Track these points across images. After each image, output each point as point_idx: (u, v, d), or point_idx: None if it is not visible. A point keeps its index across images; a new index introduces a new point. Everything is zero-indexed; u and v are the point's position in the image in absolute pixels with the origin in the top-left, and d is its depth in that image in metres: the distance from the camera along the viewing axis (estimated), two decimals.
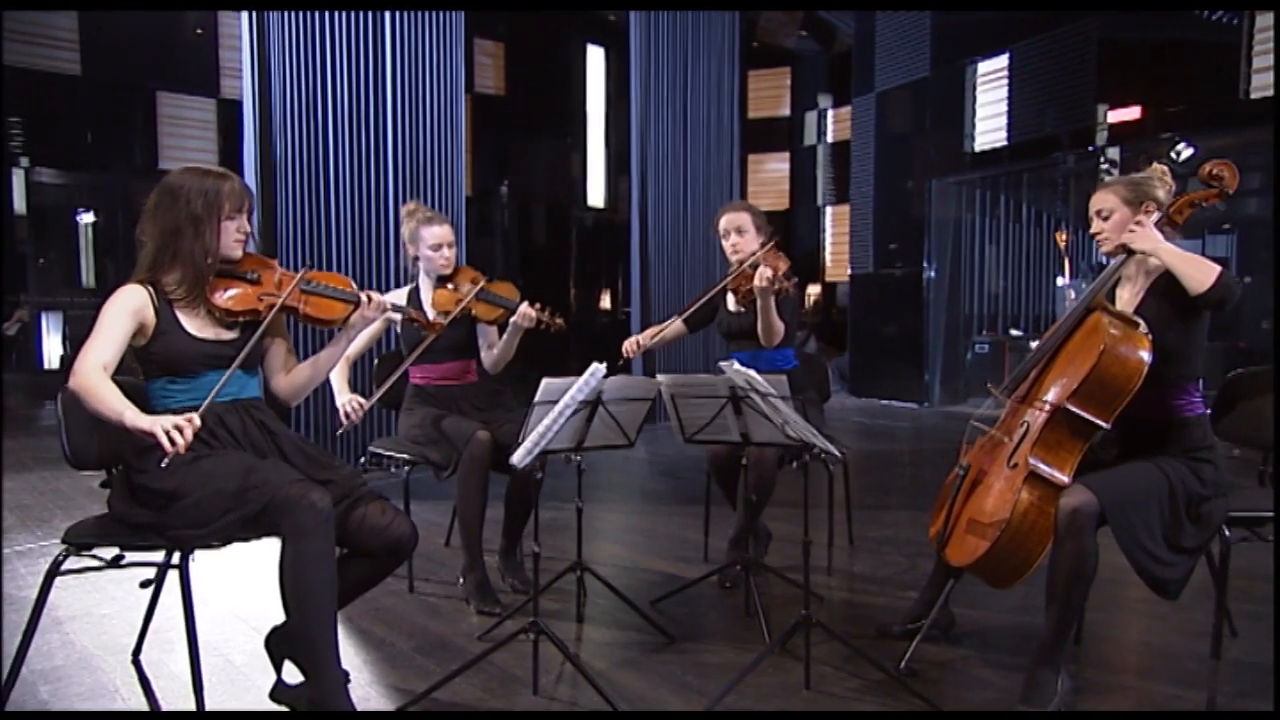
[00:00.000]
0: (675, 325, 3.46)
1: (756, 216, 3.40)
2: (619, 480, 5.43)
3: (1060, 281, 9.44)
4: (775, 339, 3.23)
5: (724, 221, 3.40)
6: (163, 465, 1.95)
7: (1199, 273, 2.09)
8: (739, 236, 3.36)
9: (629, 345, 3.40)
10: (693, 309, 3.46)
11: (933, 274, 8.85)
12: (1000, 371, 8.57)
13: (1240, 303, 2.17)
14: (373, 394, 3.17)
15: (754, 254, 3.28)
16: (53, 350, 9.94)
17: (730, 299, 3.43)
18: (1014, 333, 9.20)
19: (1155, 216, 2.26)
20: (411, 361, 3.11)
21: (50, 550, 3.68)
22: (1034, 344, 8.20)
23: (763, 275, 3.06)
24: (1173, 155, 6.94)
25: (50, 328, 9.98)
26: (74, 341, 9.65)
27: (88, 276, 10.18)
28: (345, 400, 3.06)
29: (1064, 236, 9.07)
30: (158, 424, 1.91)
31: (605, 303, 11.99)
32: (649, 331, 3.47)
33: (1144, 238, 2.20)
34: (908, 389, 9.00)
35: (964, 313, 9.09)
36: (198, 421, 1.95)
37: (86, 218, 10.08)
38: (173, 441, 1.90)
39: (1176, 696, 2.34)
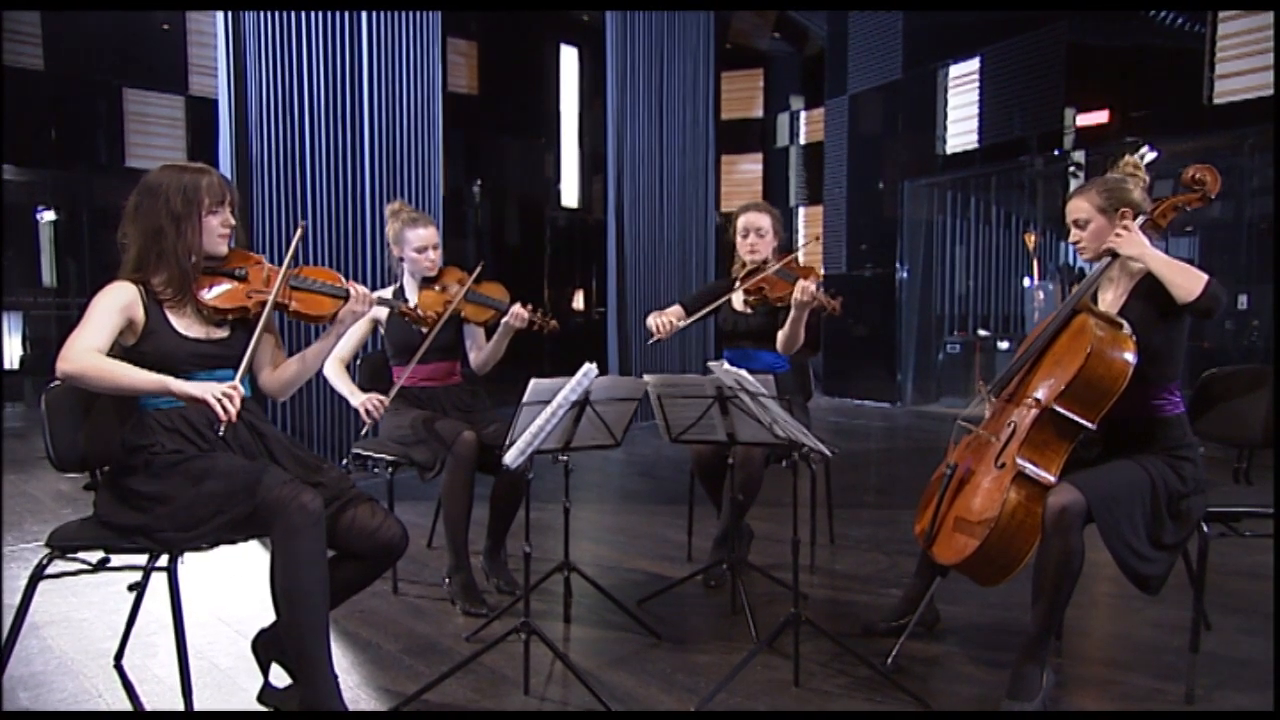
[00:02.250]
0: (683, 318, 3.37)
1: (776, 220, 3.42)
2: (597, 480, 5.43)
3: (1027, 283, 9.56)
4: (794, 349, 3.25)
5: (744, 221, 3.40)
6: (220, 434, 2.02)
7: (1187, 281, 2.12)
8: (758, 238, 3.37)
9: (662, 324, 3.23)
10: (707, 310, 3.35)
11: (905, 275, 8.95)
12: (972, 371, 8.68)
13: None
14: (389, 390, 3.13)
15: (771, 259, 3.34)
16: (12, 351, 9.73)
17: (738, 298, 3.43)
18: (981, 333, 9.30)
19: (1140, 219, 2.30)
20: (420, 356, 3.07)
21: (22, 554, 3.62)
22: (1002, 344, 8.19)
23: (805, 289, 3.05)
24: (1136, 159, 7.06)
25: (10, 328, 9.77)
26: (34, 342, 9.46)
27: (49, 276, 9.98)
28: (363, 400, 3.04)
29: (1032, 238, 9.19)
30: (209, 391, 1.96)
31: (579, 303, 11.96)
32: (670, 311, 3.32)
33: (1131, 243, 2.23)
34: (880, 389, 9.09)
35: (935, 313, 9.19)
36: (242, 389, 2.00)
37: (47, 216, 9.89)
38: (225, 409, 1.95)
39: (1157, 690, 2.38)
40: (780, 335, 3.24)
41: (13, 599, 3.03)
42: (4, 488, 4.90)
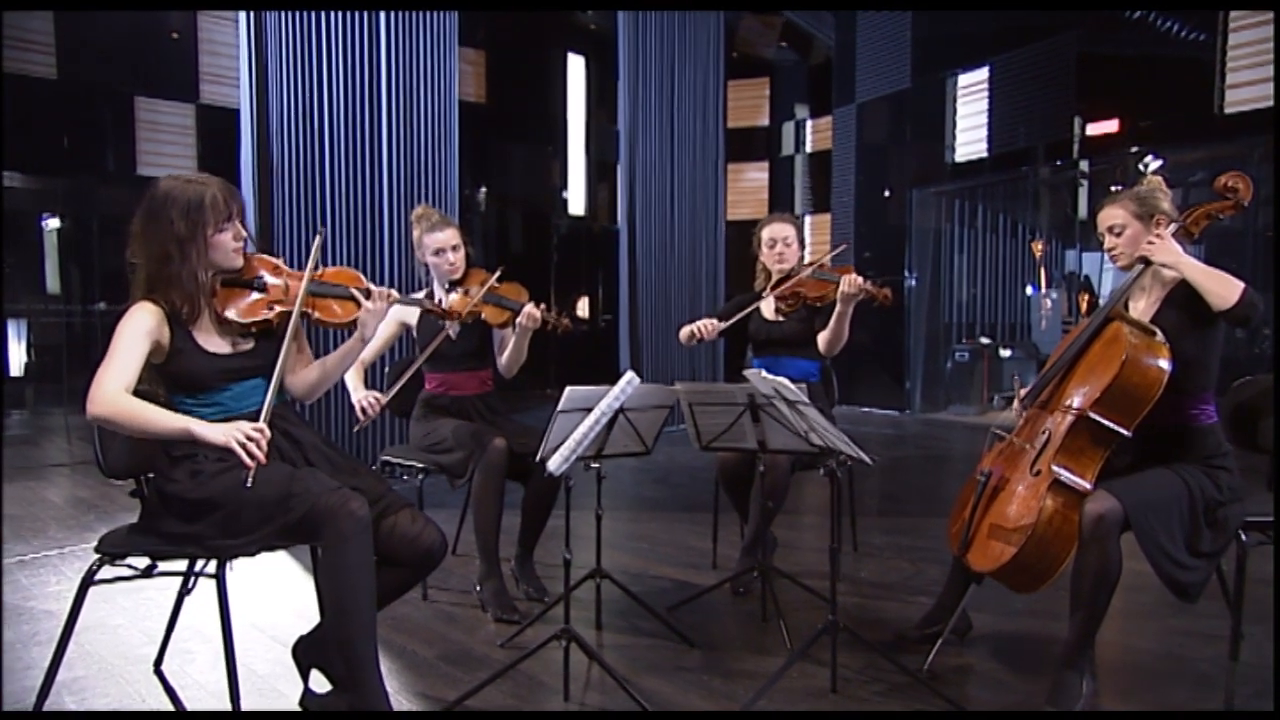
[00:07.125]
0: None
1: (799, 229, 3.48)
2: (612, 488, 5.41)
3: (1029, 290, 9.60)
4: (838, 348, 3.28)
5: (769, 232, 3.44)
6: (247, 486, 1.92)
7: (1223, 289, 2.14)
8: (785, 247, 3.41)
9: (709, 330, 3.29)
10: (742, 314, 3.39)
11: (913, 283, 8.97)
12: (981, 379, 8.69)
13: None
14: (387, 390, 3.15)
15: (797, 266, 3.37)
16: (19, 359, 9.74)
17: (768, 307, 3.45)
18: (983, 340, 9.30)
19: (1173, 228, 2.31)
20: (429, 354, 3.08)
21: (48, 560, 3.63)
22: (1004, 352, 8.16)
23: (853, 282, 3.09)
24: (1140, 168, 7.11)
25: (15, 335, 9.78)
26: (39, 349, 9.47)
27: (53, 283, 9.99)
28: (361, 396, 3.06)
29: (1040, 247, 9.23)
30: (231, 437, 1.90)
31: (584, 310, 11.98)
32: (712, 322, 3.35)
33: (1165, 250, 2.25)
34: (888, 396, 9.10)
35: (944, 321, 9.21)
36: (268, 432, 1.95)
37: (52, 223, 9.90)
38: (251, 455, 1.89)
39: (1195, 698, 2.40)
40: (824, 336, 3.28)
41: (45, 604, 3.07)
42: (22, 494, 4.90)
